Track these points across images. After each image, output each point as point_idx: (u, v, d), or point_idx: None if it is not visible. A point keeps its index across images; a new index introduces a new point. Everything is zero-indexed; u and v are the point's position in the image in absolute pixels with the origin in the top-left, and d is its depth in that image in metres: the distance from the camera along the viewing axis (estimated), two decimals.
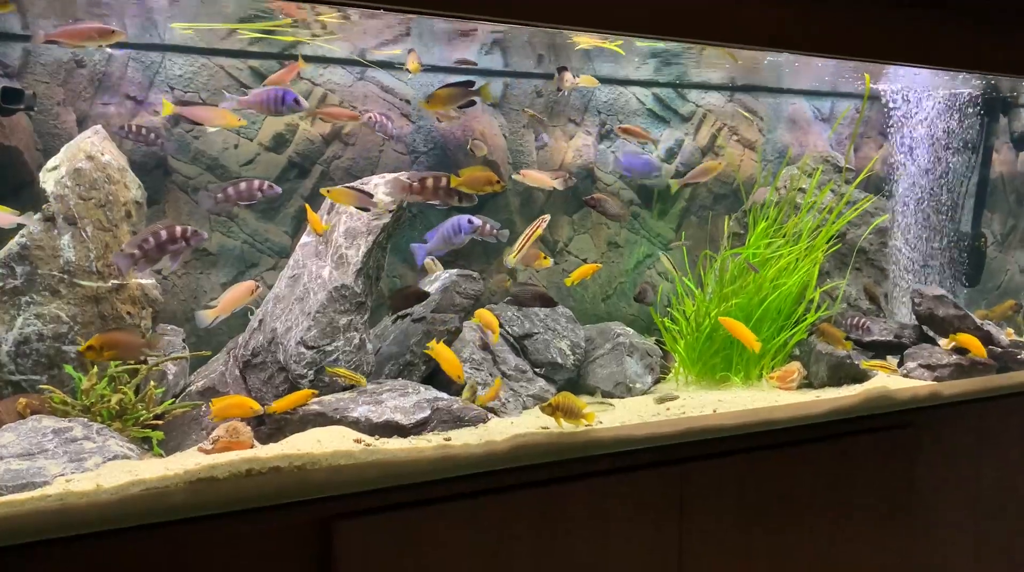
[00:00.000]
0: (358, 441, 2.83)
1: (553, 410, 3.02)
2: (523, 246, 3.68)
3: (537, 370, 3.83)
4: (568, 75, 3.98)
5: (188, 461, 2.59)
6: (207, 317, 3.15)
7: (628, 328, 4.17)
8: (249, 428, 2.90)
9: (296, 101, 3.28)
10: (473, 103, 3.57)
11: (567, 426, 3.04)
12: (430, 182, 3.31)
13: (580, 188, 4.54)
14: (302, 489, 2.60)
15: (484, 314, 3.59)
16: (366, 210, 3.34)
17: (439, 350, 3.31)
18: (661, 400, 3.66)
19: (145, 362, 3.08)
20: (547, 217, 3.80)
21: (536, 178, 4.07)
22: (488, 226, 3.57)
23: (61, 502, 2.31)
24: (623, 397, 3.83)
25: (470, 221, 3.47)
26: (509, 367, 3.72)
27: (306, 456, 2.65)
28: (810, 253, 4.23)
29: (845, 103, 5.45)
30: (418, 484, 2.75)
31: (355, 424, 2.94)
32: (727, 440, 3.34)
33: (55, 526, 2.28)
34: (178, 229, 2.98)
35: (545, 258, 3.72)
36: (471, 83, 3.45)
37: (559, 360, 3.86)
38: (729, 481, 3.30)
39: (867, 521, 3.64)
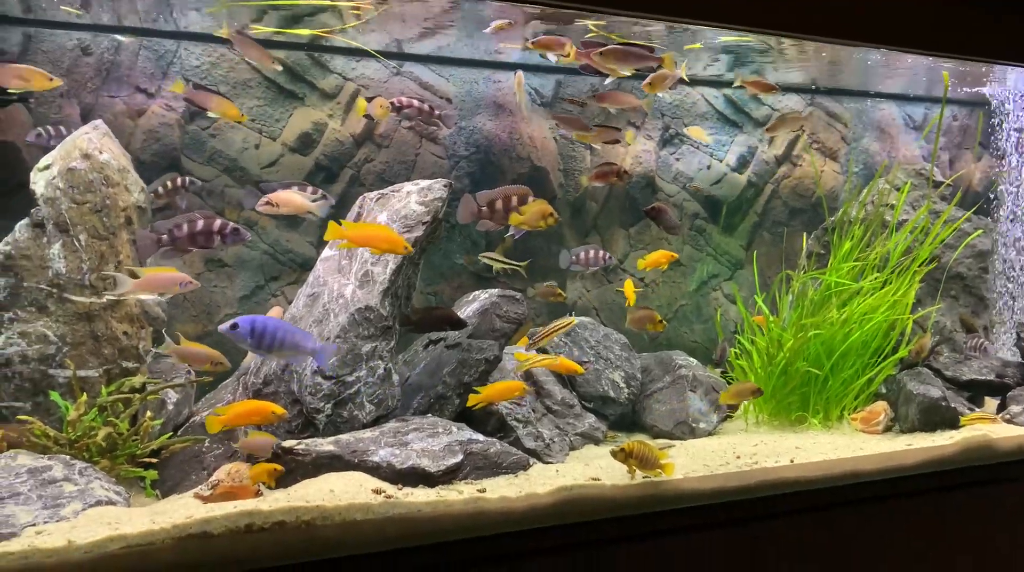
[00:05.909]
0: (377, 491, 2.45)
1: (626, 457, 2.64)
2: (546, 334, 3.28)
3: (586, 404, 3.40)
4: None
5: (178, 513, 2.24)
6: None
7: (691, 358, 3.71)
8: None
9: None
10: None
11: (639, 476, 2.67)
12: (500, 204, 2.86)
13: (639, 199, 4.09)
14: (311, 548, 2.27)
15: (564, 363, 3.15)
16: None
17: (486, 394, 2.87)
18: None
19: (142, 390, 2.71)
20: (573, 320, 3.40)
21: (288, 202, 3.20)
22: (600, 254, 3.30)
23: (25, 561, 2.03)
24: (684, 438, 3.38)
25: None
26: (555, 401, 3.28)
27: (316, 509, 2.30)
28: (902, 285, 3.72)
29: (945, 109, 4.89)
30: (446, 544, 2.39)
31: (375, 470, 2.54)
32: (806, 495, 2.93)
33: None
34: (218, 222, 2.69)
35: (661, 322, 3.54)
36: None
37: (611, 393, 3.42)
38: (808, 542, 2.89)
39: None
